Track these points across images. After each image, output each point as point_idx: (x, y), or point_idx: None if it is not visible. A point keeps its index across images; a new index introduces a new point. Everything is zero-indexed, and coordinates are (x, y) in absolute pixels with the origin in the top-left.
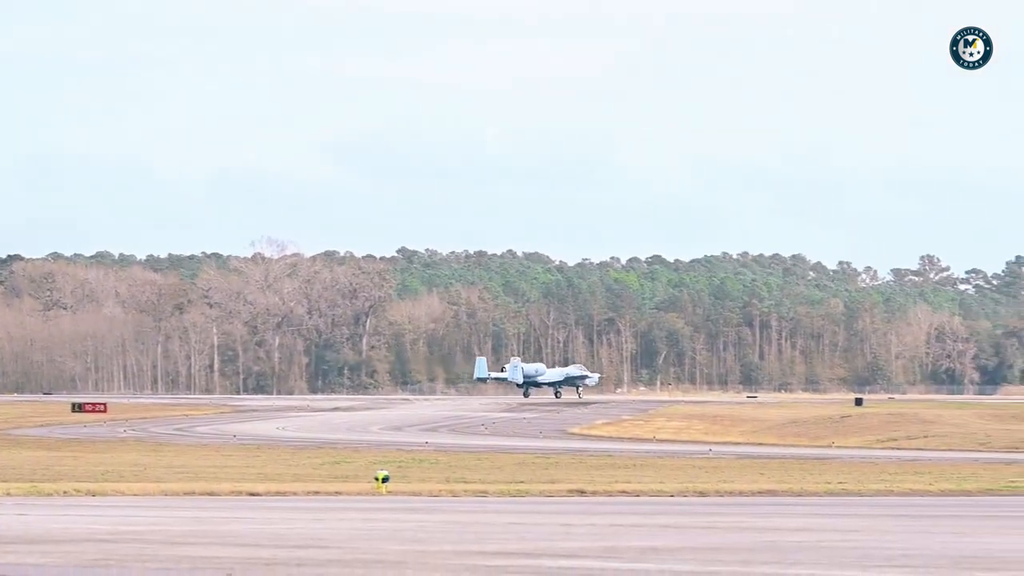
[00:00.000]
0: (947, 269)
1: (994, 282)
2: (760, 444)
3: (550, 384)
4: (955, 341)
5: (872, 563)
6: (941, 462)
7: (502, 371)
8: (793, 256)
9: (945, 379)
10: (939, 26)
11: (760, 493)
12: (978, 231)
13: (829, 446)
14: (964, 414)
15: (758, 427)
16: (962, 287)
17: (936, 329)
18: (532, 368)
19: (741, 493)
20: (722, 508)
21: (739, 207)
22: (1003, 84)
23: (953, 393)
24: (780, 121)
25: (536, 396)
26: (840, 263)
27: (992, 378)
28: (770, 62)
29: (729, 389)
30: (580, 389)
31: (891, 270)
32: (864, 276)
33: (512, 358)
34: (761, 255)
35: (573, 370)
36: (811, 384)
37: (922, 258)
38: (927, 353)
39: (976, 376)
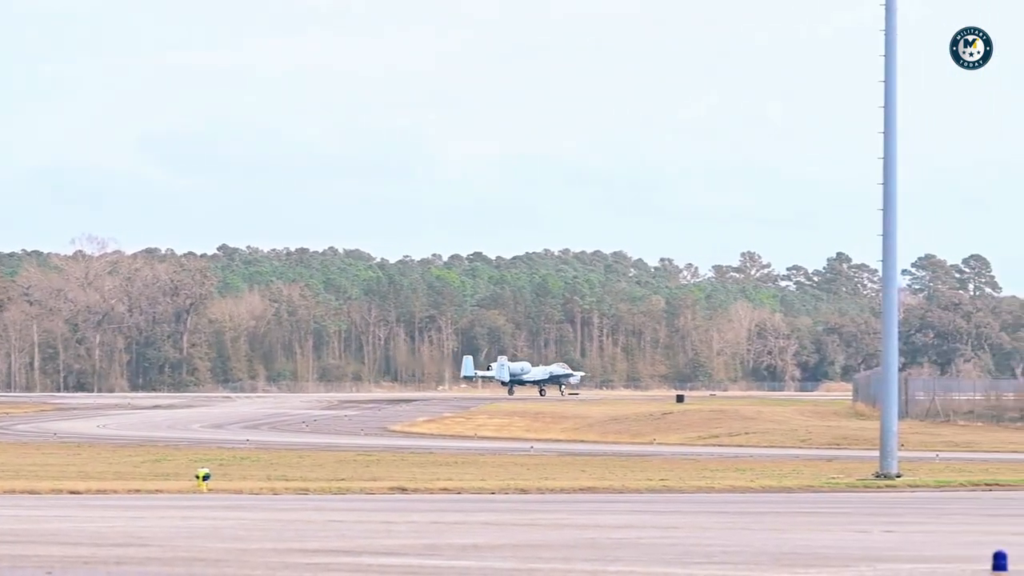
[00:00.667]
0: (768, 266)
1: (815, 279)
2: (582, 441)
3: (535, 382)
4: (776, 338)
5: (692, 560)
6: (762, 459)
7: (488, 370)
8: (614, 253)
9: (766, 376)
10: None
11: (581, 490)
12: (799, 228)
13: (651, 443)
14: (785, 411)
15: (580, 424)
16: (783, 284)
17: (757, 326)
18: (517, 367)
19: (562, 490)
20: (543, 505)
21: (560, 204)
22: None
23: (774, 390)
24: (601, 117)
25: (519, 392)
26: (661, 260)
27: (813, 374)
28: (590, 58)
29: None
30: (564, 387)
31: (712, 267)
32: (685, 273)
33: (499, 357)
34: (582, 252)
35: (556, 368)
36: (633, 381)
37: (743, 255)
38: (748, 350)
39: (797, 373)
